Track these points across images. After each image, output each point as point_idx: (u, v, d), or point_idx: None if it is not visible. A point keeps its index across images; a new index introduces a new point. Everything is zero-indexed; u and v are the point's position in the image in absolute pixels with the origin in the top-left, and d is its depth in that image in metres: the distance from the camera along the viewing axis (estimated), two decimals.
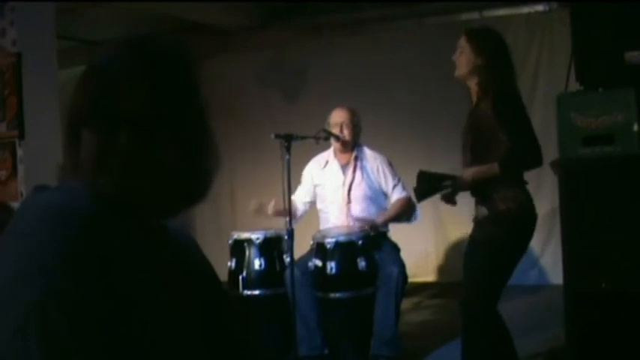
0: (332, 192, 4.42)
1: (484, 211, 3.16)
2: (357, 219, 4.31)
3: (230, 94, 7.00)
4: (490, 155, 3.09)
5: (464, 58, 3.19)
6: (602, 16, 3.11)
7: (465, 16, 6.28)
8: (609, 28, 3.09)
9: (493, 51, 3.18)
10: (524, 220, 3.15)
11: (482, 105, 3.13)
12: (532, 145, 3.06)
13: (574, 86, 3.22)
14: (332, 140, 4.37)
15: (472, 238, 3.26)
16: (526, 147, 3.07)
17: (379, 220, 4.29)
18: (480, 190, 3.17)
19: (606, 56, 3.10)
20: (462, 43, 3.21)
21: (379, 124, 5.82)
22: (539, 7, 6.27)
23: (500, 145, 3.06)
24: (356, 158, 4.41)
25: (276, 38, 7.04)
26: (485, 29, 3.35)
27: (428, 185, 3.30)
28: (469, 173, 3.17)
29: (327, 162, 4.50)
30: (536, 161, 3.09)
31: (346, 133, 4.34)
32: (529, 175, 3.22)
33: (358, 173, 4.38)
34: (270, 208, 4.31)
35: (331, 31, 6.90)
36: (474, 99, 3.23)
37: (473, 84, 3.21)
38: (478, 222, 3.22)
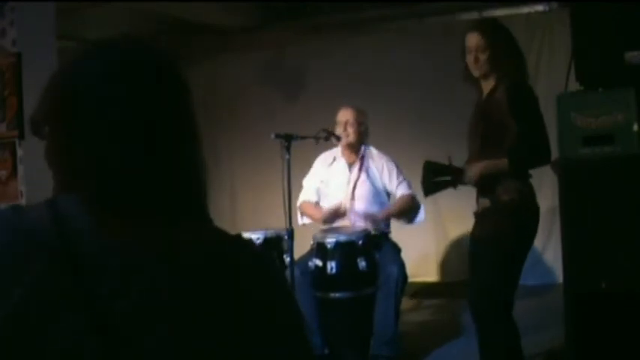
0: (336, 189, 4.42)
1: (487, 203, 3.15)
2: (358, 214, 4.31)
3: (230, 94, 7.00)
4: (500, 145, 3.08)
5: (483, 55, 3.14)
6: (602, 16, 3.10)
7: (465, 16, 6.26)
8: (609, 28, 3.08)
9: (507, 39, 3.20)
10: (528, 211, 3.15)
11: (497, 94, 3.12)
12: (544, 142, 3.06)
13: (574, 86, 3.21)
14: (333, 140, 4.37)
15: (473, 235, 3.23)
16: (538, 143, 3.06)
17: (381, 215, 4.29)
18: (484, 183, 3.16)
19: (606, 56, 3.10)
20: (475, 39, 3.15)
21: (379, 123, 5.79)
22: (539, 7, 6.26)
23: (512, 136, 3.05)
24: (362, 157, 4.41)
25: (276, 38, 7.04)
26: (490, 20, 3.36)
27: (433, 177, 3.26)
28: (478, 168, 3.14)
29: (334, 159, 4.51)
30: (546, 158, 3.10)
31: (350, 132, 4.34)
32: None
33: (363, 172, 4.38)
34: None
35: (331, 31, 6.89)
36: (485, 90, 3.20)
37: (488, 76, 3.19)
38: (480, 215, 3.20)
